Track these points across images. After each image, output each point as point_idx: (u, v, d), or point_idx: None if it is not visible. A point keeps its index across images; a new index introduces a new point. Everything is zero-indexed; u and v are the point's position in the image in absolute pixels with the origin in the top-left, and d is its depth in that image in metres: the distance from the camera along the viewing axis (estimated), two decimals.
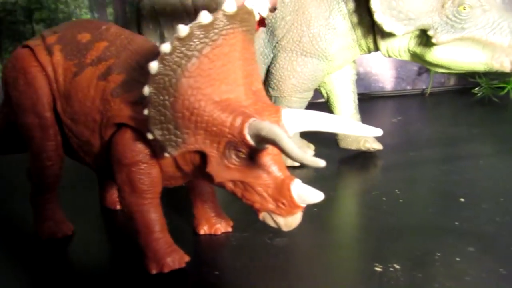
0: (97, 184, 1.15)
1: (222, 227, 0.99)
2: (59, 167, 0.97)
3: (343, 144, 1.39)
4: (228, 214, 1.02)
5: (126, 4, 2.13)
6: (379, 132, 0.81)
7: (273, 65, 1.28)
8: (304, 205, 0.76)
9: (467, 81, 2.28)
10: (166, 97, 0.74)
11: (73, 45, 0.93)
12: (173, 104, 0.74)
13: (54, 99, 0.93)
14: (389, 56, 1.29)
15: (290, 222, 0.78)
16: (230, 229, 1.00)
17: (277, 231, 0.93)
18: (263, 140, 0.73)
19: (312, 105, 1.26)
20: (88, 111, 0.88)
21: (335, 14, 1.25)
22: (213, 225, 0.99)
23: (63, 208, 1.03)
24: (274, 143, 0.71)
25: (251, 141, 0.74)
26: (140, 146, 0.83)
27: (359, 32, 1.27)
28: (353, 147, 1.38)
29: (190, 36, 0.72)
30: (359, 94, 1.41)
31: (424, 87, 2.36)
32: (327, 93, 1.40)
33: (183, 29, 0.72)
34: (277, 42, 1.27)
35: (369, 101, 2.07)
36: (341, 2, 1.24)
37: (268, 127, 0.71)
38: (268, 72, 1.29)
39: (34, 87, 0.93)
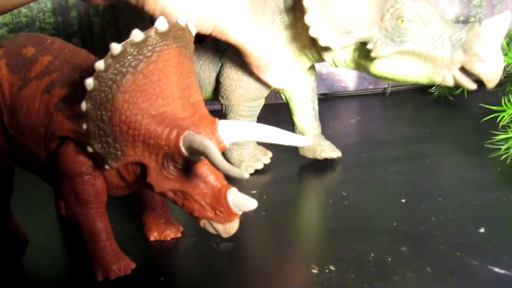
0: (52, 192, 1.18)
1: (171, 233, 1.03)
2: (9, 178, 1.00)
3: (302, 153, 1.40)
4: (179, 219, 1.05)
5: (90, 8, 2.14)
6: (309, 141, 0.85)
7: (221, 74, 1.27)
8: (240, 212, 0.81)
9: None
10: (103, 112, 0.78)
11: (18, 59, 0.95)
12: (111, 118, 0.78)
13: (1, 112, 0.95)
14: (336, 66, 1.27)
15: (229, 228, 0.82)
16: (179, 235, 1.03)
17: (221, 237, 0.97)
18: (196, 152, 0.77)
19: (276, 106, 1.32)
20: (32, 124, 0.90)
21: (278, 24, 1.22)
22: (163, 231, 1.03)
23: (18, 214, 1.06)
24: (205, 155, 0.75)
25: (186, 153, 0.77)
26: (82, 158, 0.86)
27: (302, 42, 1.23)
28: (310, 155, 1.38)
29: (123, 53, 0.75)
30: (322, 94, 1.46)
31: (385, 86, 2.41)
32: (286, 99, 1.40)
33: (116, 47, 0.75)
34: (223, 52, 1.27)
35: (332, 101, 2.11)
36: (283, 12, 1.21)
37: (199, 140, 0.75)
38: (217, 81, 1.29)
39: None
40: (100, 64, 0.76)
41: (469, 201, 1.11)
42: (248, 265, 0.93)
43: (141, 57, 0.77)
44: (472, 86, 1.13)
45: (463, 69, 1.12)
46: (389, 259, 0.90)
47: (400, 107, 2.09)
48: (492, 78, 1.10)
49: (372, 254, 0.91)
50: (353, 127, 1.79)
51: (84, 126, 0.79)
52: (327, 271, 0.87)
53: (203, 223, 0.84)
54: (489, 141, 1.34)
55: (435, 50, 1.12)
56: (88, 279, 0.90)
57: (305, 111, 1.39)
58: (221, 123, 0.82)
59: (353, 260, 0.90)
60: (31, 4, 2.14)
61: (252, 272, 0.90)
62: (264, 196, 1.20)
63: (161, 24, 0.77)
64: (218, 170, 0.74)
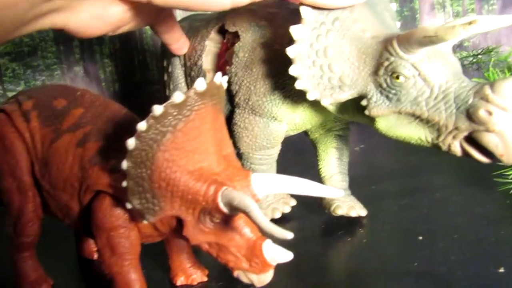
0: (73, 234, 1.19)
1: (198, 277, 1.05)
2: (38, 227, 1.01)
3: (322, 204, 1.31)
4: (204, 262, 1.07)
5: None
6: (340, 193, 0.88)
7: (231, 119, 1.22)
8: (275, 264, 0.83)
9: None
10: (143, 170, 0.80)
11: (49, 111, 0.97)
12: (150, 176, 0.80)
13: (32, 163, 0.97)
14: (344, 118, 1.16)
15: (263, 279, 0.85)
16: (205, 279, 1.05)
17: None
18: (235, 209, 0.79)
19: None
20: (66, 177, 0.92)
21: (282, 74, 1.10)
22: (189, 275, 1.05)
23: (41, 259, 1.07)
24: (245, 213, 0.77)
25: (224, 209, 0.80)
26: (118, 212, 0.88)
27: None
28: (326, 210, 1.28)
29: (164, 114, 0.78)
30: None
31: None
32: (314, 143, 1.33)
33: (157, 109, 0.77)
34: (231, 97, 1.23)
35: None
36: (289, 62, 1.05)
37: (239, 198, 0.78)
38: (229, 127, 1.17)
39: (12, 153, 0.97)
40: (142, 125, 0.78)
41: (484, 237, 1.14)
42: None
43: (180, 116, 0.79)
44: (484, 160, 0.92)
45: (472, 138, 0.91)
46: None
47: None
48: (506, 152, 0.88)
49: None
50: (359, 157, 1.82)
51: (124, 184, 0.81)
52: None
53: (236, 273, 0.86)
54: (497, 173, 1.37)
55: (437, 114, 0.92)
56: None
57: (328, 160, 1.30)
58: (254, 176, 0.84)
59: None
60: (33, 32, 2.16)
61: None
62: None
63: (200, 85, 0.80)
64: (260, 228, 0.77)
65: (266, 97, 1.16)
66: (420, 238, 1.17)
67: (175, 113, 0.79)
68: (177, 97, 0.78)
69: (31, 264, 1.04)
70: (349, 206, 1.27)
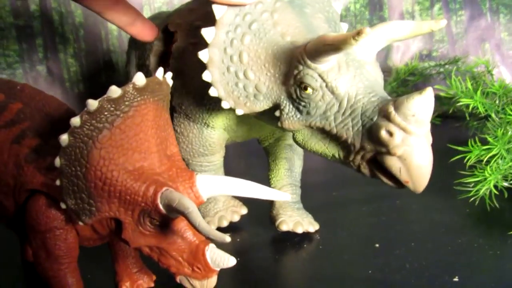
0: (17, 236, 1.13)
1: (144, 283, 1.00)
2: None
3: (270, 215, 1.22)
4: (151, 267, 1.03)
5: (56, 36, 2.10)
6: (287, 196, 0.85)
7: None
8: (218, 269, 0.79)
9: None
10: (78, 168, 0.76)
11: None
12: (85, 174, 0.76)
13: None
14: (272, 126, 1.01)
15: (206, 285, 0.81)
16: (152, 284, 1.01)
17: None
18: (174, 211, 0.75)
19: None
20: (1, 175, 0.87)
21: None
22: (135, 281, 1.00)
23: None
24: (184, 215, 0.73)
25: (163, 210, 0.76)
26: (54, 213, 0.83)
27: None
28: (273, 222, 1.20)
29: (100, 109, 0.74)
30: None
31: None
32: (266, 151, 1.26)
33: (92, 104, 0.73)
34: (173, 101, 1.11)
35: None
36: None
37: (178, 199, 0.74)
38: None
39: None
40: (75, 120, 0.74)
41: (441, 246, 1.12)
42: None
43: (118, 112, 0.75)
44: (392, 185, 0.84)
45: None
46: None
47: None
48: (410, 179, 0.80)
49: None
50: (321, 163, 1.78)
51: (58, 182, 0.77)
52: None
53: (179, 278, 0.82)
54: (457, 181, 1.36)
55: (345, 131, 0.84)
56: None
57: (278, 171, 1.22)
58: (199, 178, 0.81)
59: None
60: None
61: None
62: (238, 239, 1.19)
63: (139, 80, 0.76)
64: (198, 232, 0.73)
65: (197, 103, 1.07)
66: (377, 245, 1.14)
67: (111, 109, 0.75)
68: (114, 91, 0.74)
69: None
70: (295, 222, 1.18)
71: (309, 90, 0.85)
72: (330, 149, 0.89)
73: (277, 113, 0.91)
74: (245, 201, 1.30)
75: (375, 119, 0.80)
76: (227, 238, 0.72)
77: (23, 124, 0.88)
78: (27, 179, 0.84)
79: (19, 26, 2.09)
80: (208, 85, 0.94)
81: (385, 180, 0.84)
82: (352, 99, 0.83)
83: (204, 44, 0.93)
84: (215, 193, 0.82)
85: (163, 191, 0.76)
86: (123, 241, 0.81)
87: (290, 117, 0.89)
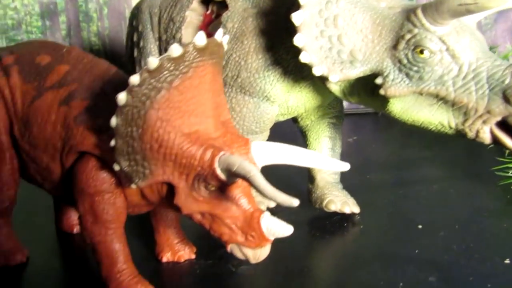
0: (52, 206, 1.11)
1: (185, 254, 0.98)
2: (15, 192, 0.93)
3: (310, 198, 1.20)
4: (191, 239, 1.00)
5: (80, 13, 2.08)
6: (346, 166, 0.82)
7: None
8: (273, 238, 0.77)
9: None
10: (134, 129, 0.73)
11: (31, 67, 0.89)
12: (141, 135, 0.73)
13: (11, 122, 0.89)
14: (349, 101, 1.01)
15: (259, 254, 0.78)
16: (193, 256, 0.98)
17: (240, 259, 0.93)
18: (233, 175, 0.72)
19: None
20: (48, 137, 0.84)
21: (278, 47, 1.00)
22: (176, 252, 0.98)
23: (16, 232, 0.99)
24: (246, 179, 0.71)
25: (221, 175, 0.73)
26: (104, 176, 0.81)
27: (308, 69, 0.94)
28: (317, 205, 1.17)
29: (160, 68, 0.71)
30: None
31: None
32: (302, 132, 1.21)
33: (153, 62, 0.70)
34: (225, 79, 1.06)
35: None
36: (286, 33, 0.95)
37: (239, 163, 0.71)
38: None
39: None
40: (135, 79, 0.71)
41: (486, 229, 1.09)
42: None
43: (177, 72, 0.72)
44: None
45: (505, 123, 0.83)
46: None
47: (394, 128, 2.08)
48: None
49: (401, 284, 0.88)
50: (352, 147, 1.77)
51: (112, 143, 0.74)
52: None
53: (230, 247, 0.79)
54: (496, 168, 1.33)
55: (466, 95, 0.83)
56: None
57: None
58: (254, 144, 0.78)
59: None
60: (18, 6, 2.07)
61: None
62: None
63: (199, 39, 0.73)
64: (263, 195, 0.70)
65: (258, 74, 1.02)
66: (420, 227, 1.11)
67: (171, 68, 0.72)
68: (174, 50, 0.71)
69: (6, 232, 0.96)
70: (342, 202, 1.16)
71: (426, 54, 0.84)
72: (437, 117, 0.87)
73: (378, 80, 0.88)
74: (280, 182, 1.27)
75: (507, 82, 0.80)
76: (295, 201, 0.69)
77: (71, 86, 0.85)
78: (76, 140, 0.81)
79: (42, 2, 2.07)
80: (274, 54, 0.93)
81: (508, 142, 0.83)
82: (473, 63, 0.82)
83: (273, 12, 0.92)
84: (271, 161, 0.79)
85: (221, 156, 0.73)
86: (174, 208, 0.79)
87: (397, 84, 0.86)
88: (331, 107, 1.18)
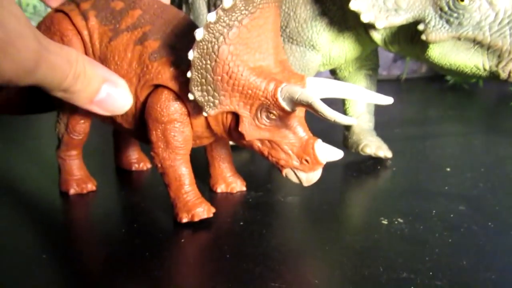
0: (111, 147, 1.22)
1: (237, 186, 1.09)
2: (89, 126, 1.04)
3: (345, 144, 1.32)
4: (242, 176, 1.11)
5: None
6: (390, 100, 0.91)
7: None
8: (325, 162, 0.87)
9: None
10: (208, 62, 0.83)
11: (107, 11, 0.99)
12: (214, 68, 0.83)
13: None
14: (389, 50, 1.10)
15: (311, 177, 0.88)
16: (244, 189, 1.09)
17: (287, 191, 1.03)
18: (295, 103, 0.82)
19: None
20: (124, 73, 0.94)
21: None
22: (229, 184, 1.09)
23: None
24: (308, 106, 0.81)
25: (283, 104, 0.83)
26: (176, 106, 0.91)
27: (352, 19, 1.08)
28: (353, 149, 1.29)
29: (233, 7, 0.80)
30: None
31: (399, 73, 2.49)
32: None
33: (227, 1, 0.80)
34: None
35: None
36: None
37: (300, 91, 0.81)
38: None
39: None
40: (212, 16, 0.80)
41: (510, 173, 1.19)
42: (317, 215, 0.99)
43: (246, 12, 0.82)
44: None
45: None
46: (451, 215, 0.97)
47: (415, 93, 2.18)
48: None
49: (434, 211, 0.98)
50: (378, 107, 1.86)
51: (189, 74, 0.84)
52: (396, 222, 0.94)
53: (285, 172, 0.89)
54: None
55: (501, 39, 0.92)
56: (163, 224, 0.95)
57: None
58: (309, 80, 0.87)
59: (418, 215, 0.97)
60: None
61: (323, 221, 0.96)
62: None
63: None
64: (324, 118, 0.80)
65: (306, 23, 1.12)
66: (448, 169, 1.21)
67: (242, 8, 0.81)
68: None
69: (78, 163, 1.08)
70: (377, 146, 1.27)
71: (466, 1, 0.92)
72: (473, 60, 0.96)
73: (420, 27, 0.97)
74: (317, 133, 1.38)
75: None
76: (354, 120, 0.79)
77: (145, 27, 0.95)
78: (152, 75, 0.91)
79: None
80: (321, 5, 1.02)
81: None
82: (509, 10, 0.91)
83: None
84: (325, 95, 0.89)
85: (283, 86, 0.83)
86: (235, 137, 0.89)
87: (438, 29, 0.96)
88: (368, 59, 1.28)
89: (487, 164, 1.24)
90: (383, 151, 1.27)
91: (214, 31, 0.81)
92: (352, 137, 1.29)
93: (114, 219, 0.97)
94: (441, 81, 2.25)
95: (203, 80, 0.84)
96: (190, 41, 0.92)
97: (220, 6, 0.80)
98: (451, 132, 1.52)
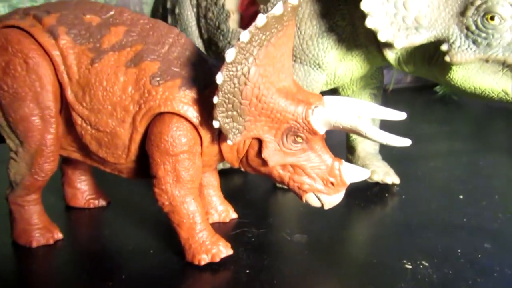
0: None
1: (229, 214, 1.00)
2: (57, 164, 0.90)
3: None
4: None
5: None
6: (403, 115, 0.82)
7: None
8: (349, 183, 0.81)
9: (424, 79, 2.38)
10: (237, 85, 0.73)
11: (81, 28, 0.85)
12: (243, 91, 0.74)
13: (61, 87, 0.85)
14: (403, 70, 1.00)
15: (334, 200, 0.82)
16: (235, 215, 1.01)
17: (291, 226, 0.93)
18: (331, 126, 0.77)
19: None
20: (117, 100, 0.82)
21: (333, 13, 0.99)
22: (221, 213, 1.00)
23: None
24: (349, 128, 0.76)
25: (316, 127, 0.77)
26: (189, 136, 0.80)
27: (363, 36, 0.99)
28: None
29: (266, 25, 0.71)
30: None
31: (384, 83, 2.41)
32: None
33: (262, 18, 0.70)
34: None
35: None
36: None
37: (338, 114, 0.76)
38: None
39: (37, 75, 0.84)
40: (245, 35, 0.70)
41: None
42: (331, 258, 0.88)
43: (275, 30, 0.73)
44: None
45: None
46: (479, 255, 0.87)
47: (405, 104, 2.10)
48: None
49: (459, 250, 0.89)
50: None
51: (215, 99, 0.74)
52: (421, 266, 0.84)
53: (306, 197, 0.82)
54: None
55: None
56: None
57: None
58: (327, 99, 0.80)
59: (443, 256, 0.87)
60: None
61: (339, 266, 0.86)
62: None
63: None
64: (372, 140, 0.77)
65: (312, 40, 1.01)
66: (461, 197, 1.12)
67: (272, 26, 0.72)
68: (278, 8, 0.71)
69: (39, 209, 0.92)
70: (384, 172, 1.17)
71: (496, 20, 0.83)
72: (501, 84, 0.87)
73: (443, 47, 0.88)
74: None
75: None
76: (408, 141, 0.77)
77: (135, 47, 0.83)
78: (157, 102, 0.79)
79: None
80: (329, 21, 0.95)
81: None
82: None
83: None
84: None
85: (313, 108, 0.77)
86: (253, 164, 0.82)
87: (463, 50, 0.86)
88: (373, 78, 1.18)
89: (500, 189, 1.16)
90: (391, 177, 1.17)
91: (245, 52, 0.71)
92: (357, 162, 1.19)
93: (94, 269, 0.84)
94: (429, 92, 2.19)
95: (230, 106, 0.74)
96: (195, 60, 0.83)
97: (253, 24, 0.71)
98: (452, 150, 1.44)
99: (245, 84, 0.73)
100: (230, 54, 0.71)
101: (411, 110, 1.99)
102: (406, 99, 2.19)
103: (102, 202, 1.07)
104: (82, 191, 1.06)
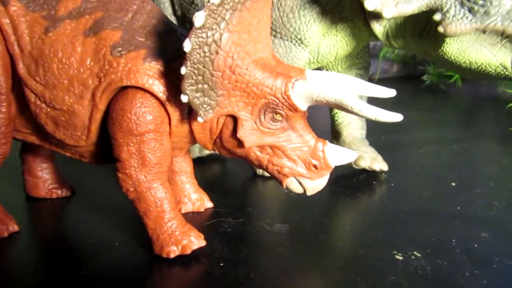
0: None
1: (204, 203, 0.92)
2: (10, 146, 0.80)
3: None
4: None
5: None
6: (393, 92, 0.74)
7: None
8: (333, 167, 0.73)
9: (411, 68, 2.31)
10: (208, 53, 0.65)
11: None
12: (215, 60, 0.65)
13: (12, 60, 0.76)
14: (391, 45, 0.92)
15: (318, 185, 0.74)
16: (211, 204, 0.93)
17: (272, 215, 0.85)
18: (313, 100, 0.69)
19: None
20: (74, 73, 0.73)
21: None
22: (195, 202, 0.91)
23: None
24: (334, 103, 0.68)
25: (297, 102, 0.68)
26: (156, 112, 0.71)
27: (349, 8, 0.91)
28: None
29: None
30: None
31: (371, 72, 2.34)
32: None
33: None
34: None
35: None
36: None
37: (322, 87, 0.68)
38: None
39: None
40: None
41: None
42: (315, 250, 0.80)
43: None
44: None
45: None
46: (476, 245, 0.80)
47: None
48: None
49: (454, 240, 0.82)
50: None
51: (183, 70, 0.65)
52: (413, 257, 0.76)
53: (287, 182, 0.74)
54: None
55: None
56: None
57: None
58: (309, 72, 0.71)
59: (436, 246, 0.80)
60: None
61: (324, 259, 0.78)
62: None
63: None
64: (359, 114, 0.69)
65: (293, 13, 0.93)
66: (453, 184, 1.05)
67: None
68: None
69: None
70: (372, 158, 1.09)
71: None
72: (499, 57, 0.80)
73: (436, 17, 0.80)
74: None
75: None
76: (399, 116, 0.70)
77: (94, 14, 0.74)
78: (119, 75, 0.70)
79: None
80: None
81: None
82: None
83: None
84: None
85: (294, 82, 0.68)
86: (227, 145, 0.73)
87: (458, 20, 0.78)
88: (359, 57, 1.10)
89: (494, 177, 1.09)
90: (379, 163, 1.09)
91: (217, 15, 0.62)
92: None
93: (52, 264, 0.75)
94: (416, 82, 2.12)
95: (200, 78, 0.66)
96: (162, 30, 0.74)
97: None
98: (442, 138, 1.37)
99: (217, 52, 0.64)
100: (199, 18, 0.62)
101: (398, 99, 1.92)
102: (393, 88, 2.12)
103: (65, 192, 0.98)
104: (44, 180, 0.97)
